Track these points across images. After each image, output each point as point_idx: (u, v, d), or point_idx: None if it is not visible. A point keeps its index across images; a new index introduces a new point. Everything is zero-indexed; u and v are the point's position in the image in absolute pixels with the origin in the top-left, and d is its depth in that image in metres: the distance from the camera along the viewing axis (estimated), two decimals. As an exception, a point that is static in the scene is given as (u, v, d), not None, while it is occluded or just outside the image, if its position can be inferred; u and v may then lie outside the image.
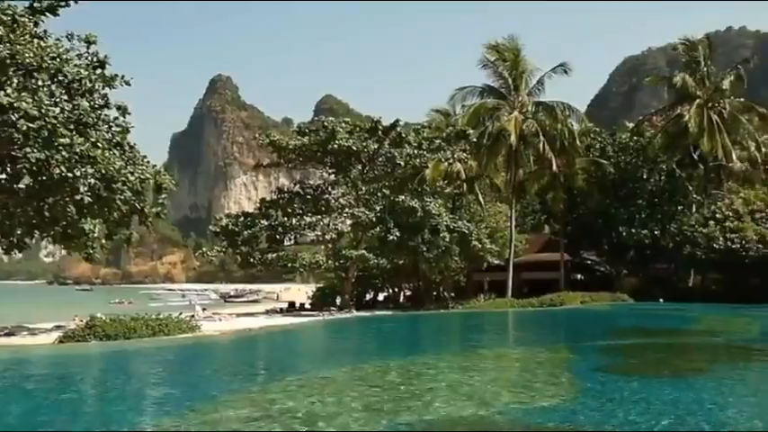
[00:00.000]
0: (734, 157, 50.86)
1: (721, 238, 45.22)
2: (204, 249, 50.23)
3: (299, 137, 45.37)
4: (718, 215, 46.87)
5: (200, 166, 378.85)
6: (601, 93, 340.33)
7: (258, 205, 46.80)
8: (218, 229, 44.65)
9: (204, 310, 44.93)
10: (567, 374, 14.98)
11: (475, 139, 48.69)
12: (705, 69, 51.99)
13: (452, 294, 52.89)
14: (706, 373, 15.06)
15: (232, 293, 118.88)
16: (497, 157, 51.32)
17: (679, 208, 53.76)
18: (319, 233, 43.74)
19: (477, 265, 49.77)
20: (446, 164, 47.42)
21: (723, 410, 10.45)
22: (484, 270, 51.55)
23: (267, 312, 47.17)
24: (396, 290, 56.85)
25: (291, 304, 51.53)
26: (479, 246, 45.38)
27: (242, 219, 44.51)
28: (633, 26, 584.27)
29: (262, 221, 42.72)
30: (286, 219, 42.38)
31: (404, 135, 45.57)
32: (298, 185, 47.73)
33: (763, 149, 54.67)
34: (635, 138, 56.75)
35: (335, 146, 42.93)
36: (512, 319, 37.82)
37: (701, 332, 27.81)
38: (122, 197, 25.65)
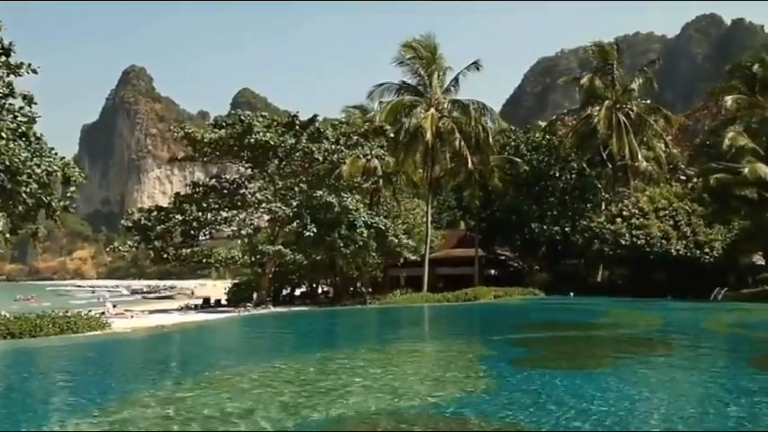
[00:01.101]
0: (640, 156, 52.93)
1: (627, 235, 46.95)
2: (116, 244, 48.81)
3: (215, 130, 44.56)
4: (625, 212, 48.62)
5: (112, 158, 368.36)
6: (516, 93, 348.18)
7: (172, 199, 45.83)
8: (130, 224, 43.49)
9: (115, 306, 43.74)
10: (480, 367, 15.29)
11: (392, 136, 48.96)
12: (614, 72, 53.86)
13: (369, 289, 53.13)
14: (611, 365, 15.62)
15: (145, 290, 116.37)
16: (414, 154, 51.82)
17: (588, 205, 55.62)
18: (235, 228, 43.20)
19: (394, 260, 50.16)
20: (364, 160, 47.61)
21: (624, 402, 10.87)
22: (400, 265, 52.06)
23: (181, 309, 46.33)
24: (313, 285, 56.75)
25: (206, 300, 50.70)
26: (396, 241, 45.70)
27: (155, 213, 43.47)
28: (547, 28, 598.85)
29: (176, 216, 41.80)
30: (201, 214, 41.61)
31: (322, 130, 45.39)
32: (213, 180, 47.03)
33: (668, 149, 57.17)
34: (547, 137, 58.39)
35: (252, 140, 42.39)
36: (427, 313, 38.26)
37: (608, 325, 28.74)
38: (28, 190, 24.76)
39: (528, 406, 10.24)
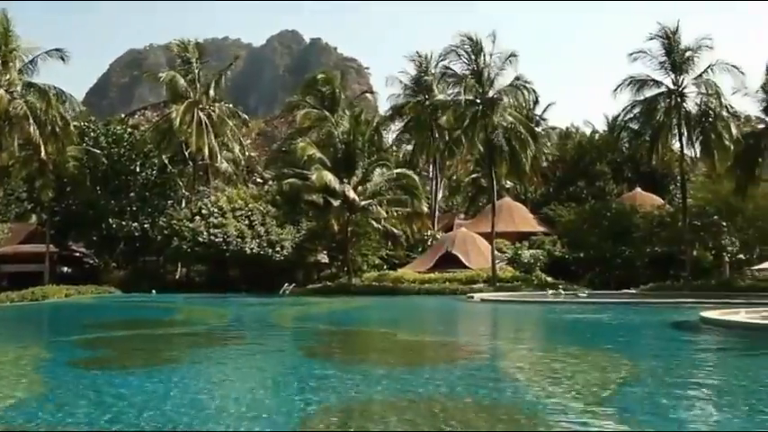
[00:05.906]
0: (220, 157, 55.05)
1: (206, 233, 48.50)
2: None
3: None
4: (204, 211, 50.14)
5: None
6: (101, 82, 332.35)
7: None
8: None
9: None
10: (37, 372, 14.36)
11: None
12: (197, 72, 55.26)
13: None
14: (185, 360, 15.82)
15: None
16: (-23, 139, 46.71)
17: (169, 202, 56.08)
18: None
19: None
20: None
21: (195, 396, 11.18)
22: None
23: None
24: None
25: None
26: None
27: None
28: (137, 20, 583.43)
29: None
30: None
31: None
32: None
33: (246, 152, 60.42)
34: (129, 131, 57.49)
35: None
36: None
37: (185, 322, 29.16)
38: None
39: (90, 409, 9.95)
